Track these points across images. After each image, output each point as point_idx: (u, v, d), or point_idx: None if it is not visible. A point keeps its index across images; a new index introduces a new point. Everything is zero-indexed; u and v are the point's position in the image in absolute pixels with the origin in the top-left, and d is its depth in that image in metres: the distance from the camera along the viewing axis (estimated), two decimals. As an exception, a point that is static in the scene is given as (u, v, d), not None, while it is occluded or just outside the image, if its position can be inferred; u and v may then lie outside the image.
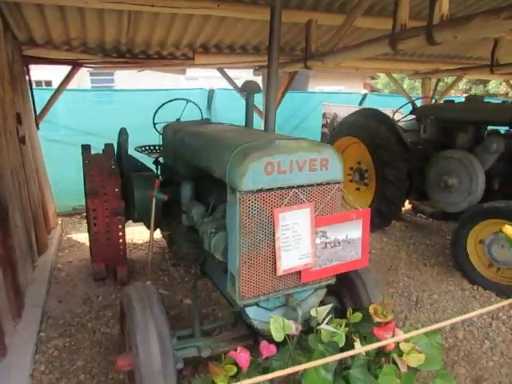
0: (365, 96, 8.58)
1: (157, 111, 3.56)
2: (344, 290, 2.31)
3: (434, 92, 7.01)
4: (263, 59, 4.96)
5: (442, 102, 6.31)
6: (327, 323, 1.81)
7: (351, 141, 5.09)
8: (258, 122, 6.06)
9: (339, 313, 2.17)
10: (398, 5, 2.67)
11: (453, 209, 4.28)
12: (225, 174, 1.82)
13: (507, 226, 1.59)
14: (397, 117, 5.49)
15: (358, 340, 1.80)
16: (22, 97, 4.06)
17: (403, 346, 1.73)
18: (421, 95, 7.19)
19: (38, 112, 4.65)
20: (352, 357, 1.71)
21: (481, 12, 2.18)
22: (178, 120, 3.57)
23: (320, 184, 1.89)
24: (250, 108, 2.62)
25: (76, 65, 4.53)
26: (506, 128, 4.34)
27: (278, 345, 1.78)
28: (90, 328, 2.91)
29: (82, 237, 4.82)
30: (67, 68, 4.69)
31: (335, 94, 9.41)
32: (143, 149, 3.73)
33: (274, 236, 1.82)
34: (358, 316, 1.92)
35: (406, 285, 3.72)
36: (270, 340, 1.78)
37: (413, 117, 5.27)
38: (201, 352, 2.05)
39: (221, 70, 5.62)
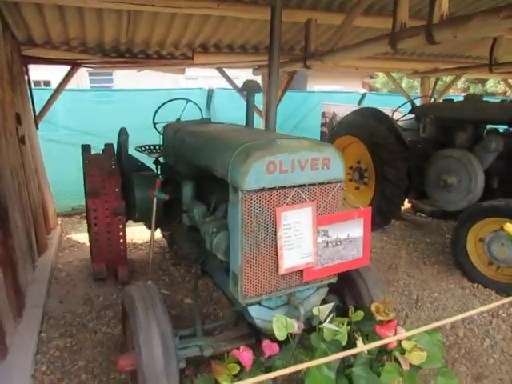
0: (364, 95, 8.59)
1: (157, 111, 3.55)
2: (345, 289, 2.32)
3: (432, 91, 7.02)
4: (262, 59, 4.97)
5: (441, 101, 6.32)
6: (329, 322, 1.82)
7: (350, 140, 5.10)
8: (258, 122, 6.06)
9: (340, 311, 2.18)
10: (398, 4, 2.68)
11: (452, 207, 4.29)
12: (227, 174, 1.83)
13: (508, 224, 1.60)
14: (396, 116, 5.50)
15: (360, 338, 1.81)
16: (21, 97, 4.05)
17: (405, 344, 1.74)
18: (420, 94, 7.20)
19: (37, 112, 4.64)
20: (354, 355, 1.72)
21: (480, 11, 2.19)
22: (178, 120, 3.57)
23: (322, 183, 1.90)
24: (250, 107, 2.62)
25: (75, 65, 4.52)
26: (505, 127, 4.36)
27: (281, 344, 1.79)
28: (91, 328, 2.91)
29: (82, 237, 4.82)
30: (66, 68, 4.68)
31: (334, 93, 9.42)
32: (143, 148, 3.73)
33: (275, 235, 1.83)
34: (360, 314, 1.93)
35: (407, 283, 3.73)
36: (272, 339, 1.79)
37: (412, 116, 5.28)
38: (203, 351, 2.05)
39: (220, 70, 5.62)
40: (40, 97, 4.81)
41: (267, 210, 1.79)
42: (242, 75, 8.28)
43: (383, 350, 1.81)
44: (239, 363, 1.69)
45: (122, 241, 3.35)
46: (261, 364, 1.77)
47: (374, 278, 2.30)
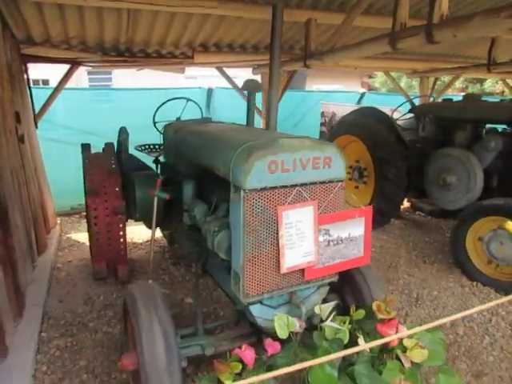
0: (363, 95, 8.61)
1: (157, 110, 3.55)
2: (346, 288, 2.32)
3: (431, 90, 7.04)
4: (262, 58, 4.97)
5: (440, 100, 6.34)
6: (331, 320, 1.83)
7: (350, 139, 5.11)
8: (257, 121, 6.06)
9: (341, 310, 2.19)
10: (398, 4, 2.68)
11: (451, 206, 4.31)
12: (228, 173, 1.83)
13: (509, 223, 1.61)
14: (395, 115, 5.51)
15: (361, 336, 1.82)
16: (20, 95, 4.04)
17: (407, 342, 1.76)
18: (419, 94, 7.22)
19: (36, 111, 4.63)
20: (356, 353, 1.73)
21: (481, 11, 2.19)
22: (178, 119, 3.58)
23: (323, 182, 1.90)
24: (251, 107, 2.63)
25: (75, 63, 4.51)
26: (504, 126, 4.38)
27: (282, 342, 1.80)
28: (92, 328, 2.91)
29: (82, 236, 4.81)
30: (65, 67, 4.67)
31: (333, 92, 9.42)
32: (143, 148, 3.73)
33: (277, 234, 1.83)
34: (361, 313, 1.94)
35: (406, 282, 3.74)
36: (274, 337, 1.80)
37: (411, 115, 5.29)
38: (204, 350, 2.06)
39: (220, 69, 5.62)
40: (39, 95, 4.79)
41: (269, 209, 1.80)
42: (242, 74, 8.28)
43: (385, 348, 1.82)
44: (241, 362, 1.70)
45: (122, 240, 3.35)
46: (263, 362, 1.78)
47: (374, 277, 2.31)
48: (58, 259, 4.16)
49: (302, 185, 1.84)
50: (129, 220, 3.57)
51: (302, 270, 1.95)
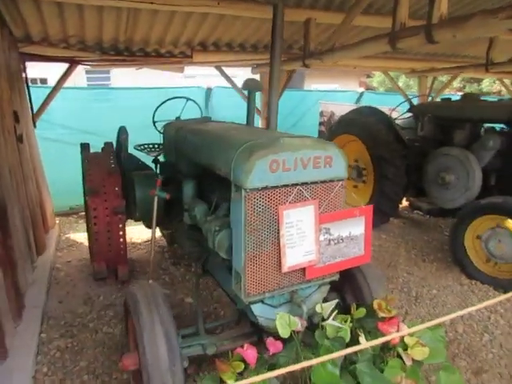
0: (361, 94, 8.62)
1: (156, 109, 3.55)
2: (346, 286, 2.33)
3: (430, 90, 7.06)
4: (261, 57, 4.97)
5: (438, 99, 6.36)
6: (333, 319, 1.83)
7: (349, 139, 5.11)
8: (256, 120, 6.05)
9: (341, 309, 2.19)
10: (398, 3, 2.69)
11: (450, 205, 4.32)
12: (229, 172, 1.83)
13: (510, 221, 1.62)
14: (394, 115, 5.53)
15: (362, 335, 1.82)
16: (18, 95, 4.02)
17: (408, 340, 1.76)
18: (417, 93, 7.24)
19: (34, 110, 4.61)
20: (357, 351, 1.74)
21: (479, 11, 2.20)
22: (178, 118, 3.57)
23: (324, 181, 1.91)
24: (251, 106, 2.62)
25: (73, 62, 4.49)
26: (502, 125, 4.40)
27: (284, 341, 1.80)
28: (92, 328, 2.90)
29: (81, 236, 4.80)
30: (63, 65, 4.65)
31: (332, 92, 9.43)
32: (142, 147, 3.72)
33: (278, 233, 1.84)
34: (362, 311, 1.95)
35: (406, 280, 3.76)
36: (275, 336, 1.80)
37: (410, 114, 5.31)
38: (206, 350, 2.06)
39: (219, 68, 5.61)
40: (37, 95, 4.77)
41: (270, 208, 1.80)
42: (241, 74, 8.28)
43: (386, 347, 1.83)
44: (243, 361, 1.70)
45: (122, 240, 3.34)
46: (265, 361, 1.79)
47: (374, 276, 2.32)
48: (57, 260, 4.15)
49: (302, 184, 1.84)
50: (128, 220, 3.56)
51: (303, 269, 1.96)
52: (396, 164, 4.56)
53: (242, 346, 1.73)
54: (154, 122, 3.57)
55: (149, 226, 3.54)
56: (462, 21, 2.27)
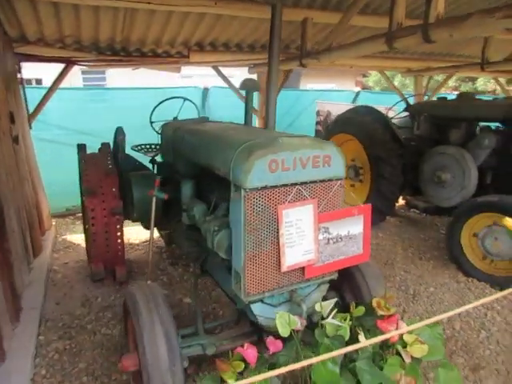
0: (358, 93, 8.65)
1: (154, 110, 3.54)
2: (344, 285, 2.34)
3: (426, 89, 7.10)
4: (258, 57, 4.98)
5: (434, 99, 6.40)
6: (332, 317, 1.84)
7: (346, 138, 5.13)
8: (253, 120, 6.06)
9: (340, 307, 2.20)
10: (395, 3, 2.70)
11: (446, 203, 4.35)
12: (229, 172, 1.83)
13: (507, 219, 1.64)
14: (390, 114, 5.55)
15: (362, 333, 1.83)
16: (14, 95, 3.99)
17: (407, 338, 1.78)
18: (413, 92, 7.28)
19: (30, 111, 4.58)
20: (357, 349, 1.75)
21: (476, 11, 2.22)
22: (175, 118, 3.56)
23: (323, 180, 1.91)
24: (249, 106, 2.63)
25: (69, 63, 4.46)
26: (497, 124, 4.43)
27: (284, 340, 1.81)
28: (90, 330, 2.89)
29: (77, 238, 4.78)
30: (58, 66, 4.62)
31: (328, 91, 9.45)
32: (140, 148, 3.71)
33: (277, 233, 1.84)
34: (361, 310, 1.96)
35: (403, 278, 3.78)
36: (275, 336, 1.81)
37: (406, 114, 5.34)
38: (205, 350, 2.06)
39: (215, 68, 5.61)
40: (32, 95, 4.74)
41: (269, 207, 1.80)
42: (237, 74, 8.28)
43: (385, 344, 1.84)
44: (244, 360, 1.70)
45: (119, 241, 3.33)
46: (265, 361, 1.79)
47: (373, 274, 2.33)
48: (54, 261, 4.12)
49: (302, 183, 1.85)
50: (125, 221, 3.55)
51: (302, 268, 1.96)
52: (392, 163, 4.59)
53: (242, 346, 1.73)
54: (152, 123, 3.56)
55: (147, 226, 3.53)
56: (458, 20, 2.29)
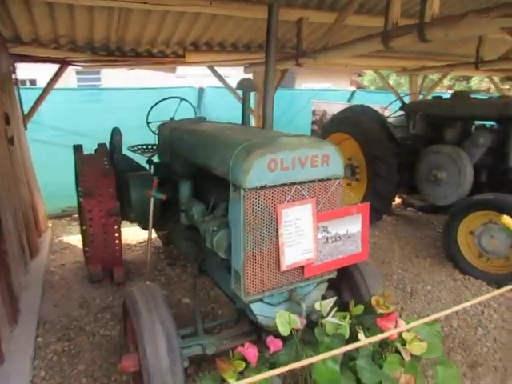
0: (353, 93, 8.68)
1: (150, 110, 3.53)
2: (343, 284, 2.35)
3: (420, 88, 7.15)
4: (254, 57, 4.98)
5: (429, 98, 6.44)
6: (332, 316, 1.85)
7: (342, 137, 5.15)
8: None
9: (339, 306, 2.21)
10: (390, 2, 2.72)
11: (442, 202, 4.38)
12: (227, 172, 1.83)
13: (505, 217, 1.66)
14: (385, 113, 5.58)
15: (361, 331, 1.84)
16: (9, 96, 3.95)
17: (406, 336, 1.79)
18: (408, 92, 7.32)
19: (25, 112, 4.54)
20: (357, 348, 1.75)
21: (471, 11, 2.24)
22: (172, 119, 3.56)
23: (321, 180, 1.92)
24: (246, 106, 2.63)
25: (64, 63, 4.43)
26: (492, 123, 4.47)
27: (284, 339, 1.81)
28: (89, 331, 2.88)
29: (74, 239, 4.75)
30: (52, 66, 4.59)
31: (324, 91, 9.48)
32: (136, 148, 3.70)
33: (277, 232, 1.85)
34: (360, 308, 1.96)
35: (400, 277, 3.80)
36: (275, 335, 1.81)
37: (402, 113, 5.37)
38: (205, 350, 2.06)
39: (211, 68, 5.60)
40: (26, 96, 4.70)
41: (268, 207, 1.81)
42: (233, 73, 8.27)
43: (384, 342, 1.85)
44: (244, 360, 1.71)
45: (117, 242, 3.31)
46: (265, 360, 1.79)
47: (371, 273, 2.34)
48: (51, 263, 4.09)
49: (300, 183, 1.85)
50: (122, 222, 3.53)
51: (302, 268, 1.97)
52: (389, 162, 4.61)
53: (242, 345, 1.73)
54: (148, 123, 3.55)
55: (144, 227, 3.52)
56: (454, 20, 2.30)
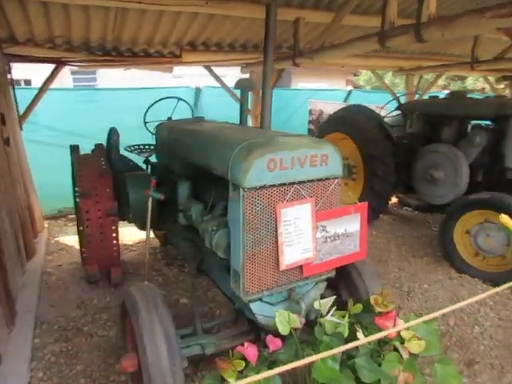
0: (350, 92, 8.71)
1: (147, 110, 3.52)
2: (341, 283, 2.36)
3: (416, 88, 7.19)
4: (251, 57, 4.98)
5: (425, 97, 6.47)
6: (331, 315, 1.85)
7: (339, 137, 5.16)
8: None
9: (337, 305, 2.22)
10: (387, 2, 2.73)
11: (439, 201, 4.41)
12: (227, 172, 1.84)
13: (503, 216, 1.67)
14: (382, 113, 5.60)
15: (360, 330, 1.85)
16: (4, 96, 3.93)
17: (404, 334, 1.80)
18: (404, 91, 7.36)
19: (20, 112, 4.51)
20: (356, 346, 1.76)
21: (467, 11, 2.26)
22: (169, 119, 3.55)
23: (320, 179, 1.93)
24: (244, 106, 2.63)
25: (60, 63, 4.40)
26: (488, 122, 4.50)
27: (283, 338, 1.82)
28: (87, 332, 2.87)
29: (71, 239, 4.72)
30: (47, 66, 4.56)
31: (320, 90, 9.50)
32: (133, 148, 3.69)
33: (276, 231, 1.85)
34: (359, 307, 1.97)
35: (397, 276, 3.82)
36: (274, 334, 1.81)
37: (398, 112, 5.39)
38: (204, 349, 2.06)
39: (208, 68, 5.59)
40: (22, 96, 4.66)
41: (268, 206, 1.81)
42: (229, 73, 8.27)
43: (383, 340, 1.86)
44: (244, 359, 1.71)
45: (115, 242, 3.30)
46: (265, 359, 1.80)
47: (369, 272, 2.35)
48: (48, 263, 4.07)
49: (300, 182, 1.86)
50: (119, 222, 3.52)
51: (301, 267, 1.98)
52: (385, 161, 4.63)
53: (241, 345, 1.73)
54: (146, 123, 3.54)
55: (141, 227, 3.51)
56: (450, 20, 2.32)
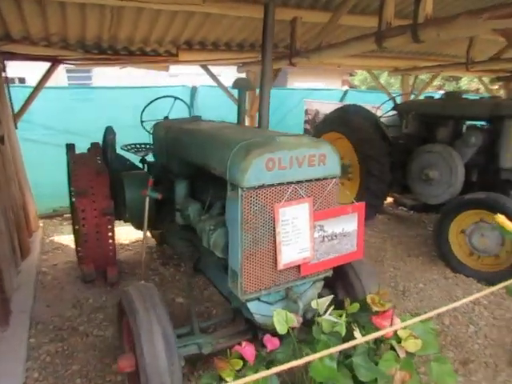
0: (346, 92, 8.73)
1: (144, 109, 3.50)
2: (338, 283, 2.37)
3: (412, 88, 7.23)
4: (247, 56, 4.97)
5: (421, 97, 6.51)
6: (329, 314, 1.86)
7: (335, 136, 5.18)
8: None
9: (334, 305, 2.23)
10: (384, 3, 2.74)
11: (434, 201, 4.44)
12: (225, 171, 1.83)
13: (499, 216, 1.69)
14: (378, 113, 5.63)
15: (357, 329, 1.86)
16: (-2, 95, 3.89)
17: (401, 333, 1.81)
18: (400, 91, 7.40)
19: (15, 111, 4.46)
20: (353, 345, 1.77)
21: (464, 12, 2.27)
22: (166, 118, 3.54)
23: (318, 179, 1.93)
24: (242, 105, 2.63)
25: (55, 61, 4.36)
26: (483, 122, 4.54)
27: (280, 338, 1.82)
28: (82, 331, 2.85)
29: (66, 239, 4.69)
30: (42, 65, 4.51)
31: (316, 90, 9.51)
32: (130, 147, 3.67)
33: (274, 231, 1.85)
34: (356, 306, 1.98)
35: (393, 275, 3.85)
36: (271, 333, 1.82)
37: (394, 112, 5.42)
38: (202, 349, 2.06)
39: (204, 67, 5.58)
40: (17, 95, 4.62)
41: (266, 206, 1.81)
42: (226, 72, 8.24)
43: (379, 339, 1.87)
44: (242, 358, 1.71)
45: (111, 241, 3.29)
46: (262, 358, 1.80)
47: (366, 271, 2.36)
48: (43, 263, 4.04)
49: (298, 182, 1.86)
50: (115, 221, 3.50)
51: (298, 266, 1.98)
52: (381, 161, 4.65)
53: (239, 344, 1.74)
54: (142, 122, 3.52)
55: (138, 227, 3.50)
56: (447, 21, 2.33)
